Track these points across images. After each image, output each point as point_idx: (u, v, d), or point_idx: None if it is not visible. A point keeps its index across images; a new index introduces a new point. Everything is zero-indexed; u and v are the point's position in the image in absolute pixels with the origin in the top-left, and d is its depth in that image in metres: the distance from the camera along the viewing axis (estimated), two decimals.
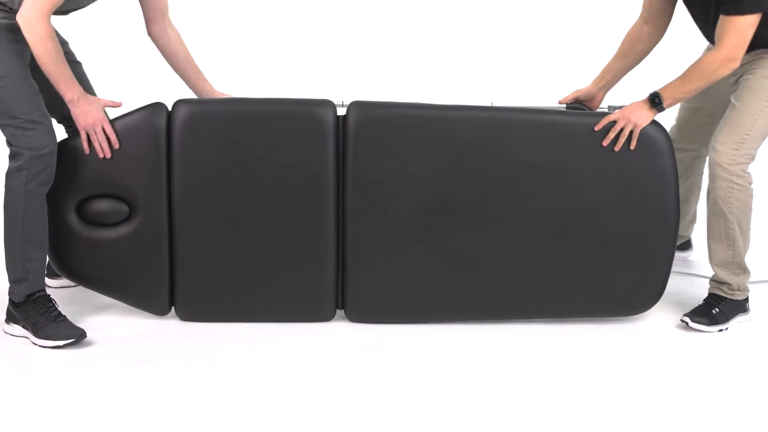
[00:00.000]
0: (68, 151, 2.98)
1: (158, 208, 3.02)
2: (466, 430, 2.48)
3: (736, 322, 3.15)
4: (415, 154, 3.01)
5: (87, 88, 3.13)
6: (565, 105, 3.29)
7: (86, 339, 2.91)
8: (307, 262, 3.07)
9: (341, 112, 3.04)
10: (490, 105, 3.12)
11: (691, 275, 3.55)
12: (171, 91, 3.25)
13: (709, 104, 3.26)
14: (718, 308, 3.12)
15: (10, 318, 2.99)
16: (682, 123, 3.42)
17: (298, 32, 5.26)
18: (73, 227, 3.04)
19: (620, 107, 3.10)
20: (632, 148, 3.00)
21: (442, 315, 3.13)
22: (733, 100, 3.09)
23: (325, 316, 3.14)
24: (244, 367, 2.81)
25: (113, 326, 3.07)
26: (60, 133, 3.00)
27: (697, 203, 3.57)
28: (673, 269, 3.13)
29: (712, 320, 3.10)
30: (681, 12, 3.19)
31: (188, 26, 3.42)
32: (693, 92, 3.04)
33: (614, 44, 3.31)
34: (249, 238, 3.05)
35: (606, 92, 3.33)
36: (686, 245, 3.69)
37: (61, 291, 3.29)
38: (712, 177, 3.06)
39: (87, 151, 2.97)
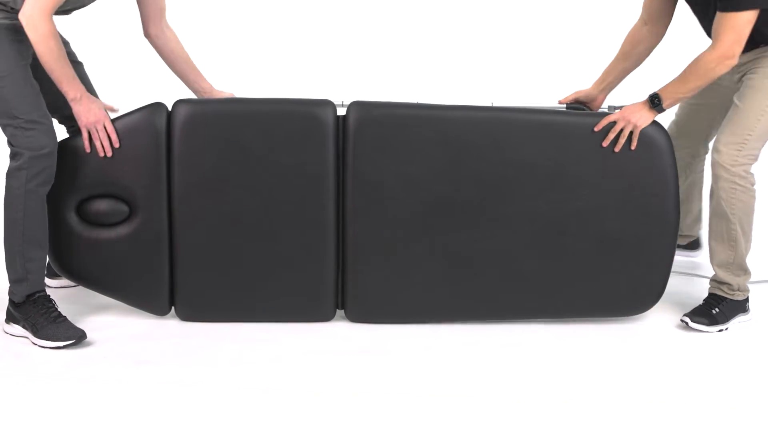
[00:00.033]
0: (68, 151, 2.98)
1: (158, 208, 3.02)
2: (466, 430, 2.48)
3: (736, 323, 3.15)
4: (415, 154, 3.01)
5: (88, 88, 3.12)
6: (565, 105, 3.29)
7: (86, 339, 2.91)
8: (307, 262, 3.07)
9: (341, 112, 3.05)
10: (490, 105, 3.12)
11: (691, 275, 3.55)
12: (171, 91, 3.25)
13: (711, 102, 3.24)
14: (718, 308, 3.12)
15: (10, 318, 2.99)
16: (681, 120, 3.39)
17: (298, 32, 5.26)
18: (73, 227, 3.03)
19: (620, 107, 3.10)
20: (633, 148, 3.00)
21: (442, 315, 3.13)
22: (735, 99, 3.08)
23: (325, 316, 3.14)
24: (244, 367, 2.81)
25: (113, 326, 3.07)
26: (61, 133, 3.00)
27: (700, 202, 3.54)
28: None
29: (712, 320, 3.10)
30: (681, 12, 3.19)
31: (188, 26, 3.43)
32: (692, 91, 3.03)
33: (614, 45, 3.31)
34: (249, 238, 3.05)
35: (607, 94, 3.32)
36: (695, 245, 3.64)
37: (61, 291, 3.29)
38: (715, 178, 3.05)
39: (88, 149, 2.97)
